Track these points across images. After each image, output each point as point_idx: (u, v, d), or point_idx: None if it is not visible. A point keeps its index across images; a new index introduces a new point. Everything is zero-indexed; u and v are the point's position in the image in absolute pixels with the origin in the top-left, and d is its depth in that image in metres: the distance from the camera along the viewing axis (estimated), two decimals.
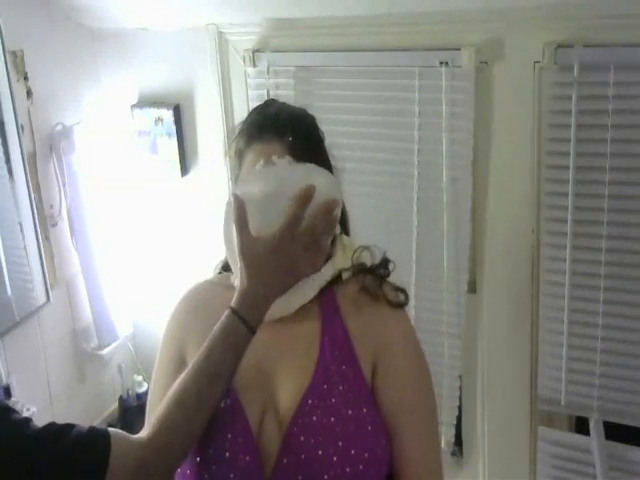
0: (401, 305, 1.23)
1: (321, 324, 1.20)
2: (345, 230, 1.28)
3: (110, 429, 1.06)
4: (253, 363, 1.18)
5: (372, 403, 1.17)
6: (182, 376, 1.09)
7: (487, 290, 2.16)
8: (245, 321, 1.08)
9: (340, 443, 1.10)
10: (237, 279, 1.16)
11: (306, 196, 1.08)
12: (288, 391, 1.16)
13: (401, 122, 2.10)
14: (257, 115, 1.24)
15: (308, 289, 1.20)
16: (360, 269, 1.25)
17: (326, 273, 1.22)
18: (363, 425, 1.13)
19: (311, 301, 1.21)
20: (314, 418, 1.12)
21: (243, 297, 1.09)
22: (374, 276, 1.25)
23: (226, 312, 1.09)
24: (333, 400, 1.13)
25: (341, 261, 1.24)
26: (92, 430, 1.03)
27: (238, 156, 1.23)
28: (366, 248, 1.27)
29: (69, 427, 1.02)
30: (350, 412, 1.13)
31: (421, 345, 1.25)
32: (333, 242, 1.24)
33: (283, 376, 1.18)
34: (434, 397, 1.25)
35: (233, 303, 1.10)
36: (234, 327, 1.08)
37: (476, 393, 2.27)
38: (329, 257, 1.23)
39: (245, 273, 1.09)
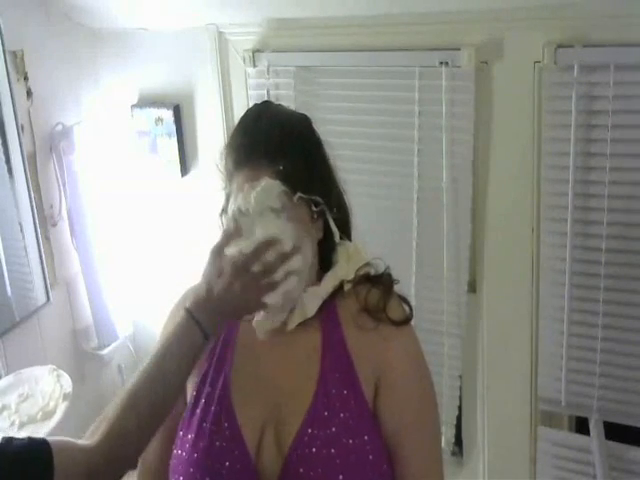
0: (405, 322, 1.18)
1: (321, 343, 1.16)
2: (347, 236, 1.23)
3: (51, 438, 1.02)
4: (252, 382, 1.16)
5: (374, 428, 1.14)
6: (134, 379, 1.06)
7: (487, 290, 2.16)
8: (200, 325, 1.06)
9: (341, 476, 1.08)
10: None
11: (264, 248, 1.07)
12: (287, 416, 1.12)
13: (401, 122, 2.10)
14: (246, 134, 1.17)
15: (309, 304, 1.16)
16: (362, 280, 1.21)
17: (327, 285, 1.18)
18: (364, 455, 1.10)
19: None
20: (314, 450, 1.08)
21: (199, 302, 1.07)
22: (379, 289, 1.19)
23: (181, 314, 1.07)
24: (334, 429, 1.10)
25: (344, 271, 1.20)
26: (32, 441, 1.00)
27: (228, 177, 1.18)
28: (367, 264, 1.23)
29: (7, 441, 0.99)
30: (351, 442, 1.10)
31: (425, 361, 1.21)
32: (334, 250, 1.21)
33: (283, 398, 1.14)
34: (437, 416, 1.23)
35: (189, 305, 1.07)
36: (189, 331, 1.06)
37: (476, 393, 2.27)
38: (331, 266, 1.20)
39: (205, 284, 1.07)
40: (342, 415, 1.11)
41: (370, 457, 1.11)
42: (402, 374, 1.16)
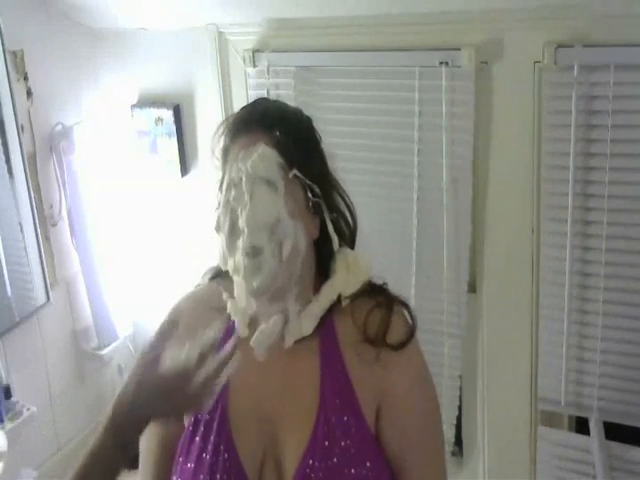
0: (408, 341, 1.14)
1: (320, 366, 1.12)
2: (351, 243, 1.19)
3: None
4: (250, 410, 1.12)
5: (377, 452, 1.12)
6: None
7: (487, 290, 2.16)
8: (121, 447, 0.99)
9: None
10: (230, 300, 1.13)
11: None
12: (288, 446, 1.10)
13: (401, 122, 2.10)
14: (244, 111, 1.16)
15: (305, 322, 1.12)
16: (360, 292, 1.16)
17: (324, 301, 1.14)
18: None
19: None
20: None
21: (120, 414, 0.99)
22: (380, 309, 1.14)
23: (98, 432, 1.00)
24: (335, 460, 1.07)
25: (341, 284, 1.15)
26: None
27: (224, 154, 1.15)
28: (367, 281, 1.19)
29: None
30: (353, 471, 1.07)
31: (429, 377, 1.19)
32: (333, 258, 1.16)
33: (283, 427, 1.11)
34: (442, 432, 1.21)
35: (107, 421, 0.99)
36: (107, 454, 0.99)
37: (476, 393, 2.27)
38: (329, 273, 1.16)
39: (135, 386, 1.00)
40: (343, 443, 1.08)
41: None
42: (405, 398, 1.14)
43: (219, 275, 1.23)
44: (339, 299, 1.15)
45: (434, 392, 1.19)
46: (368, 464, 1.09)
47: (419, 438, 1.15)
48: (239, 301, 1.16)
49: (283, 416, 1.12)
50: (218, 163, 1.17)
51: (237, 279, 1.13)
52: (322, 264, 1.17)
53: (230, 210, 1.09)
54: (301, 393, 1.12)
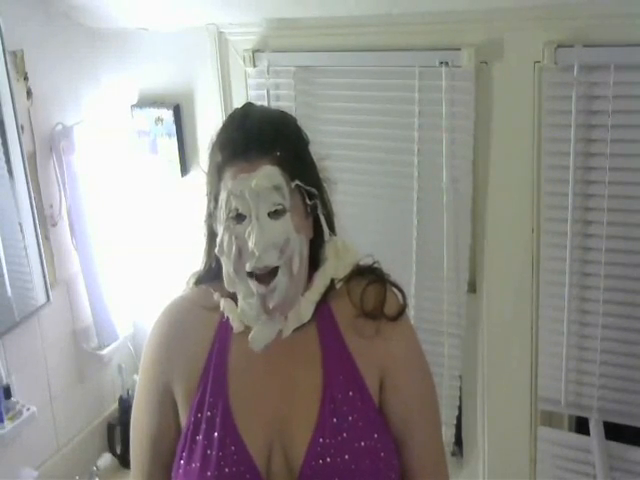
0: (402, 312, 1.19)
1: (320, 347, 1.15)
2: (332, 230, 1.22)
3: None
4: (254, 400, 1.13)
5: (382, 423, 1.14)
6: None
7: (487, 290, 2.16)
8: None
9: None
10: (223, 299, 1.13)
11: None
12: (296, 428, 1.10)
13: (401, 122, 2.10)
14: (238, 131, 1.13)
15: (303, 309, 1.14)
16: (352, 274, 1.20)
17: (319, 286, 1.17)
18: (376, 454, 1.11)
19: None
20: (328, 459, 1.07)
21: None
22: (373, 286, 1.18)
23: None
24: (345, 435, 1.09)
25: (333, 269, 1.18)
26: None
27: (217, 172, 1.15)
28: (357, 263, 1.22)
29: None
30: (363, 444, 1.09)
31: (422, 347, 1.23)
32: (322, 247, 1.19)
33: (288, 411, 1.12)
34: (437, 401, 1.24)
35: None
36: None
37: (476, 393, 2.27)
38: (319, 263, 1.18)
39: None
40: (350, 418, 1.10)
41: (382, 454, 1.11)
42: (406, 367, 1.17)
43: (203, 280, 1.24)
44: (332, 284, 1.18)
45: (429, 367, 1.23)
46: (376, 436, 1.11)
47: (423, 409, 1.19)
48: (246, 316, 1.15)
49: (288, 401, 1.13)
50: (207, 175, 1.18)
51: (249, 301, 1.13)
52: (313, 255, 1.19)
53: (235, 236, 1.09)
54: (304, 376, 1.14)
